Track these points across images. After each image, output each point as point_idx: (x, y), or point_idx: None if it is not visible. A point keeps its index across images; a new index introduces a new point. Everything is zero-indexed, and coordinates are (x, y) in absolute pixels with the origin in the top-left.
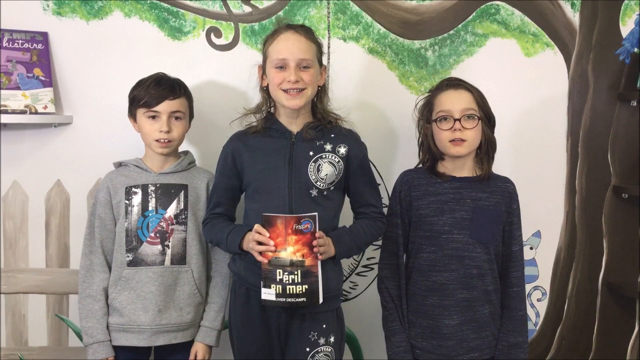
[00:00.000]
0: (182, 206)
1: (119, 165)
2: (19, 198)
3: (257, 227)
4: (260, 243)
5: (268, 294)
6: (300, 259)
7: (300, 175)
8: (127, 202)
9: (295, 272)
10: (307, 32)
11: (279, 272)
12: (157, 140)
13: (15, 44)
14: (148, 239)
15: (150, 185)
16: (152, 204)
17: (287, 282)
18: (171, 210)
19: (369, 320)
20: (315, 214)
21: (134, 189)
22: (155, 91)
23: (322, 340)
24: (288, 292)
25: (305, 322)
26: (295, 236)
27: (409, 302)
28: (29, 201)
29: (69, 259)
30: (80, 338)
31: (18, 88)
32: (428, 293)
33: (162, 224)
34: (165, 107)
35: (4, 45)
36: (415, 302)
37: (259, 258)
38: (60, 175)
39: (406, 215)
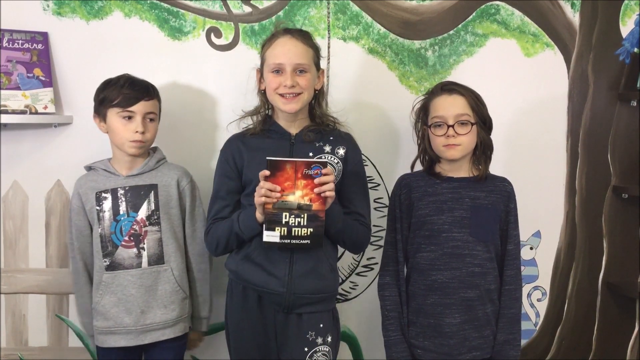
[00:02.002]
0: (153, 207)
1: (89, 168)
2: (19, 198)
3: (263, 172)
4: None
5: (271, 236)
6: (308, 203)
7: None
8: (98, 208)
9: (302, 216)
10: (304, 36)
11: (285, 215)
12: (132, 141)
13: (15, 44)
14: (122, 243)
15: (119, 189)
16: (122, 208)
17: (293, 224)
18: (142, 212)
19: (368, 320)
20: (326, 161)
21: (103, 194)
22: (129, 91)
23: (319, 340)
24: (293, 234)
25: (303, 322)
26: (304, 180)
27: (409, 302)
28: (29, 201)
29: (69, 259)
30: (80, 338)
31: (18, 88)
32: (428, 292)
33: (134, 226)
34: (140, 107)
35: (4, 45)
36: (416, 302)
37: (266, 200)
38: (60, 175)
39: (406, 219)
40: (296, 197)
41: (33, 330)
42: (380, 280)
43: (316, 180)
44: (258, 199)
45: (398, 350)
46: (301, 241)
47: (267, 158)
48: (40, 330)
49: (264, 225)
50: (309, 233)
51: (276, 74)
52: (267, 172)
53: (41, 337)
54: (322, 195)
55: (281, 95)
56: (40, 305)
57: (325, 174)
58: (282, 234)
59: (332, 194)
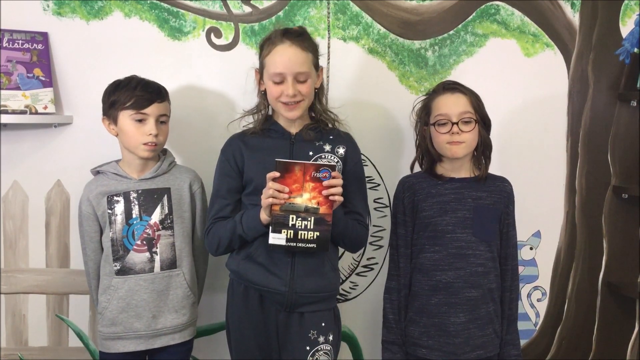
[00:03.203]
0: (166, 210)
1: (96, 172)
2: (19, 198)
3: (271, 173)
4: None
5: (277, 238)
6: (315, 206)
7: None
8: (109, 211)
9: (309, 219)
10: (303, 40)
11: (292, 218)
12: (145, 144)
13: (15, 44)
14: (134, 247)
15: (132, 192)
16: (135, 211)
17: (300, 227)
18: (156, 216)
19: (369, 320)
20: (334, 164)
21: (115, 198)
22: (143, 93)
23: (321, 339)
24: (300, 237)
25: (305, 321)
26: (312, 183)
27: (412, 302)
28: (29, 201)
29: (69, 259)
30: (80, 338)
31: (18, 88)
32: (433, 292)
33: (147, 230)
34: (154, 110)
35: (4, 45)
36: (419, 301)
37: (273, 200)
38: (60, 175)
39: (410, 222)
40: (303, 199)
41: (33, 330)
42: (386, 284)
43: (325, 183)
44: (265, 200)
45: (393, 351)
46: (307, 245)
47: (276, 159)
48: (40, 330)
49: (270, 227)
50: (315, 237)
51: (277, 83)
52: (276, 174)
53: (41, 337)
54: (330, 198)
55: (283, 103)
56: (40, 305)
57: (334, 177)
58: (289, 236)
59: (340, 197)
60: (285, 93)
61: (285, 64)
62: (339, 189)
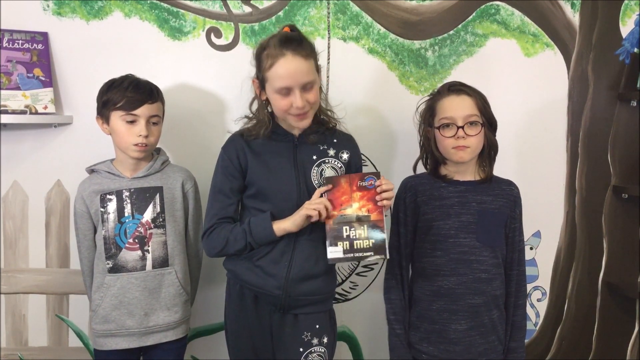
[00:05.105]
0: (158, 209)
1: (91, 171)
2: (19, 198)
3: (321, 188)
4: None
5: (335, 252)
6: (366, 213)
7: (306, 178)
8: (102, 209)
9: (362, 227)
10: (303, 48)
11: (346, 229)
12: (135, 145)
13: (15, 44)
14: (127, 245)
15: (124, 190)
16: (127, 210)
17: (354, 237)
18: (148, 215)
19: (369, 320)
20: (379, 171)
21: (108, 196)
22: (133, 94)
23: (315, 341)
24: (356, 247)
25: (299, 322)
26: (360, 192)
27: (414, 307)
28: (29, 201)
29: (69, 259)
30: (80, 338)
31: (18, 88)
32: (434, 298)
33: (139, 229)
34: (144, 111)
35: (4, 45)
36: (421, 306)
37: (318, 217)
38: (60, 175)
39: (411, 222)
40: (354, 209)
41: (33, 330)
42: (385, 283)
43: (379, 189)
44: (309, 210)
45: (401, 354)
46: (364, 253)
47: (325, 176)
48: (40, 330)
49: (327, 242)
50: (370, 244)
51: (284, 95)
52: (328, 186)
53: (41, 337)
54: (382, 203)
55: (292, 114)
56: (40, 305)
57: (379, 185)
58: (345, 248)
59: (389, 202)
60: (295, 105)
61: (291, 77)
62: (391, 194)
